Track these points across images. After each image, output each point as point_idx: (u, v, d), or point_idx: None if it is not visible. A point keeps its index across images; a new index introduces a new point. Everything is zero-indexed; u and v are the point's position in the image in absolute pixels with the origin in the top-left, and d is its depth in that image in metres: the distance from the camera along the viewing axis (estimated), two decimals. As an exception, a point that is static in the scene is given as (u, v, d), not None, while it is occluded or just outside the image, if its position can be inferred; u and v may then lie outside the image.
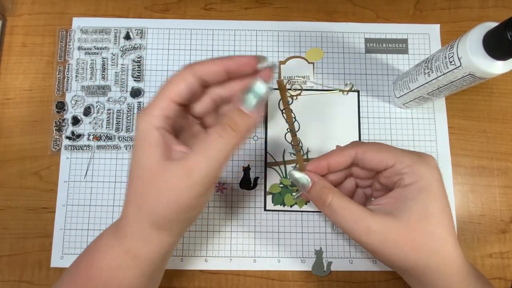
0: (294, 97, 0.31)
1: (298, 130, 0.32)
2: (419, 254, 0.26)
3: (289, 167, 0.39)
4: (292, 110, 0.30)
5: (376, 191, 0.32)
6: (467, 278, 0.27)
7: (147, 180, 0.24)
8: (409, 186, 0.27)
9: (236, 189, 0.39)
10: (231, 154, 0.24)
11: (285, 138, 0.35)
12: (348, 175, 0.32)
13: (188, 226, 0.28)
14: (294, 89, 0.29)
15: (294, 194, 0.39)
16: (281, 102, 0.30)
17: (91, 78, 0.41)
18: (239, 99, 0.23)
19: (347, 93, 0.39)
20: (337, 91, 0.35)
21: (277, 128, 0.40)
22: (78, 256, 0.29)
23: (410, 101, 0.38)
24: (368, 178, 0.32)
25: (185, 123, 0.27)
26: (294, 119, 0.30)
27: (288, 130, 0.31)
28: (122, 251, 0.26)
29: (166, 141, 0.24)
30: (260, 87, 0.23)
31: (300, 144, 0.31)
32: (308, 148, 0.40)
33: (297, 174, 0.30)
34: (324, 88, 0.41)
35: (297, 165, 0.33)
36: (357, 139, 0.40)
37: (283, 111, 0.30)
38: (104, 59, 0.42)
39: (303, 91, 0.40)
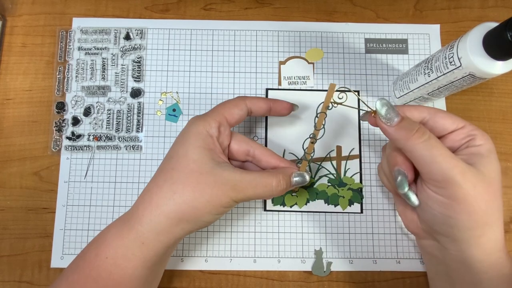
0: (335, 105, 0.31)
1: (321, 137, 0.33)
2: (491, 209, 0.27)
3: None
4: (326, 116, 0.31)
5: None
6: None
7: (190, 174, 0.27)
8: (481, 146, 0.28)
9: (236, 189, 0.39)
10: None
11: (303, 147, 0.36)
12: None
13: (198, 229, 0.30)
14: (339, 99, 0.30)
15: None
16: (321, 105, 0.31)
17: (91, 78, 0.41)
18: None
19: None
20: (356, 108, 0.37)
21: (277, 128, 0.40)
22: (84, 248, 0.29)
23: (410, 101, 0.38)
24: None
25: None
26: (322, 126, 0.31)
27: (311, 136, 0.32)
28: (130, 239, 0.27)
29: (213, 147, 0.29)
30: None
31: (312, 154, 0.33)
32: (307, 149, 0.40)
33: (390, 105, 0.28)
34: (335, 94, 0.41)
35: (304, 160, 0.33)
36: (357, 140, 0.40)
37: (318, 115, 0.31)
38: (104, 60, 0.42)
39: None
